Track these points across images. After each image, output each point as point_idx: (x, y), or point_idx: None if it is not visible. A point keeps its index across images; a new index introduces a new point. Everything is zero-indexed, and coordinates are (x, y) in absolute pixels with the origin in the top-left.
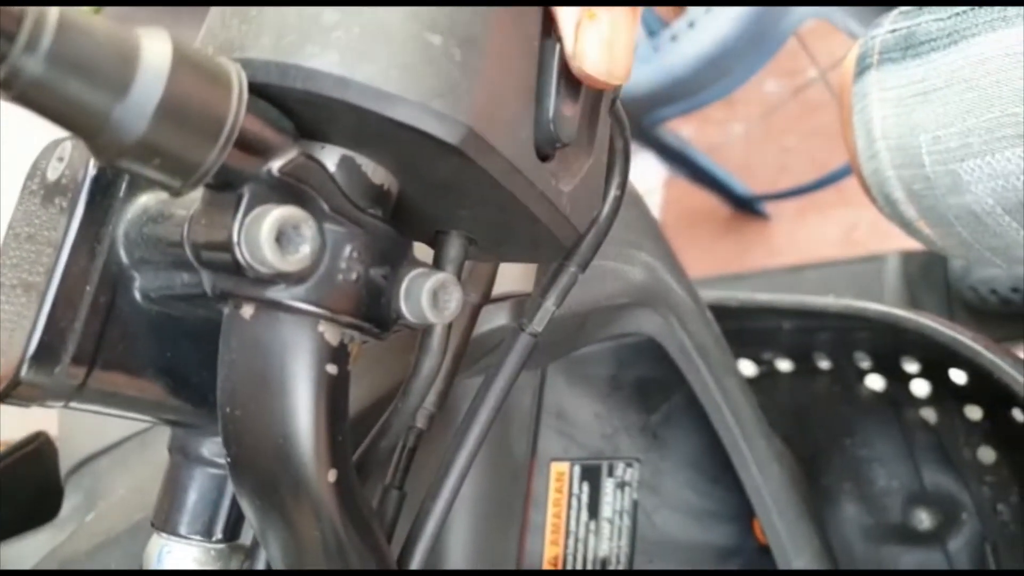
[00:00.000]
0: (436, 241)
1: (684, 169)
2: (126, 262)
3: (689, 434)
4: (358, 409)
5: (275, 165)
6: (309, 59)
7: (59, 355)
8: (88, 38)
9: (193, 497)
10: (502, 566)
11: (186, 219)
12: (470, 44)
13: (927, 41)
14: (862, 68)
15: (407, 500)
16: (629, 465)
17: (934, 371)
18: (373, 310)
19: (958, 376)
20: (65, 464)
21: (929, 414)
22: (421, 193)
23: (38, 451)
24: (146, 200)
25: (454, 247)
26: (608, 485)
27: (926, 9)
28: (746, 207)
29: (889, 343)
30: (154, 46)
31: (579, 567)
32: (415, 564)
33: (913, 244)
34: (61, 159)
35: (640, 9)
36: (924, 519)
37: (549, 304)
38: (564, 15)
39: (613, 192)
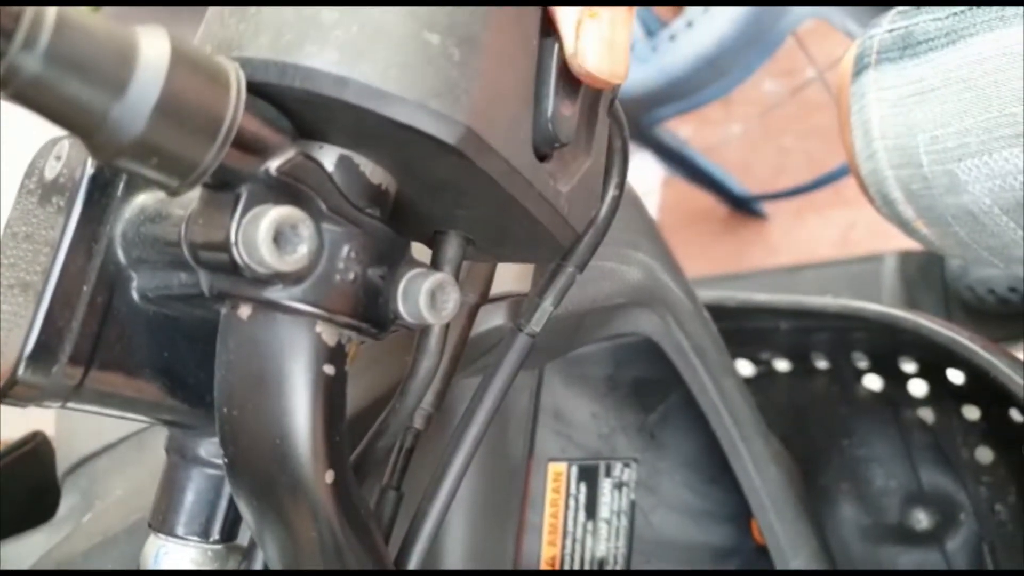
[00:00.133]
0: (434, 241)
1: (682, 169)
2: (123, 262)
3: (686, 434)
4: (355, 409)
5: (273, 165)
6: (308, 58)
7: (56, 355)
8: (86, 36)
9: (190, 498)
10: (499, 566)
11: (184, 219)
12: (469, 44)
13: (925, 41)
14: (860, 68)
15: (404, 501)
16: (626, 465)
17: (932, 371)
18: (371, 310)
19: (956, 376)
20: (62, 464)
21: (927, 414)
22: (419, 193)
23: (35, 451)
24: (144, 199)
25: (452, 247)
26: (605, 485)
27: (924, 9)
28: (744, 207)
29: (887, 343)
30: (152, 44)
31: (576, 567)
32: (412, 565)
33: (911, 244)
34: (59, 158)
35: (635, 8)
36: (922, 519)
37: (547, 304)
38: (564, 14)
39: (611, 192)
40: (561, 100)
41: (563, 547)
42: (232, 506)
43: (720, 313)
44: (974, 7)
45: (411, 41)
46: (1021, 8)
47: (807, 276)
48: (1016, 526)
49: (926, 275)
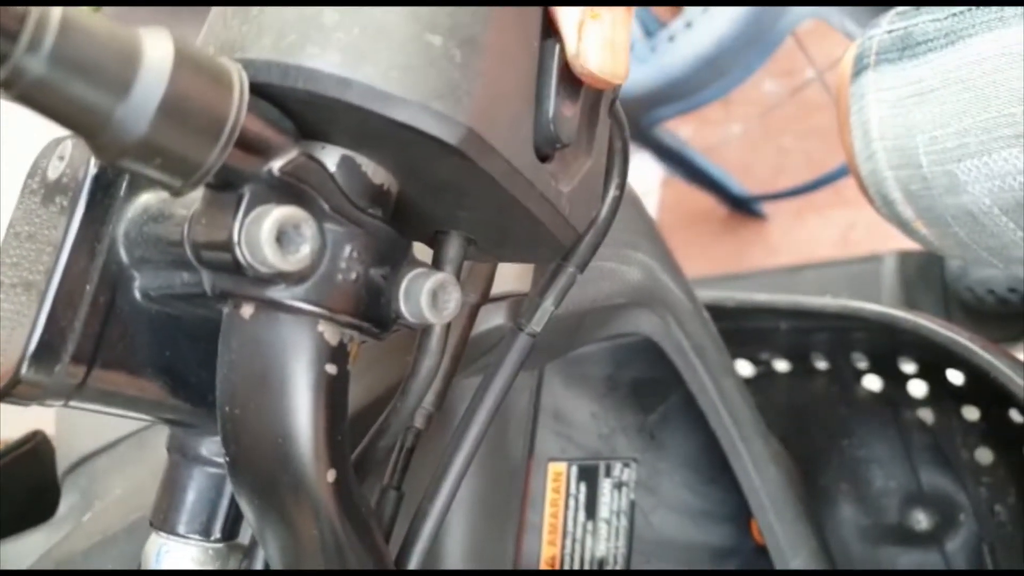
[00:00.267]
0: (435, 241)
1: (682, 169)
2: (126, 261)
3: (686, 434)
4: (357, 409)
5: (276, 165)
6: (310, 59)
7: (59, 354)
8: (90, 38)
9: (191, 496)
10: (499, 566)
11: (186, 218)
12: (470, 45)
13: (924, 42)
14: (859, 68)
15: (405, 500)
16: (626, 465)
17: (931, 372)
18: (372, 310)
19: (955, 377)
20: (62, 464)
21: (926, 415)
22: (421, 193)
23: (35, 450)
24: (146, 199)
25: (453, 247)
26: (605, 485)
27: (923, 9)
28: (743, 207)
29: (886, 343)
30: (156, 46)
31: (576, 567)
32: (413, 564)
33: (910, 244)
34: (62, 158)
35: (634, 8)
36: (921, 520)
37: (548, 304)
38: (566, 15)
39: (612, 192)
40: (562, 101)
41: (563, 547)
42: (233, 505)
43: (720, 313)
44: (973, 8)
45: (413, 42)
46: (1020, 8)
47: (807, 276)
48: (1016, 527)
49: (925, 276)
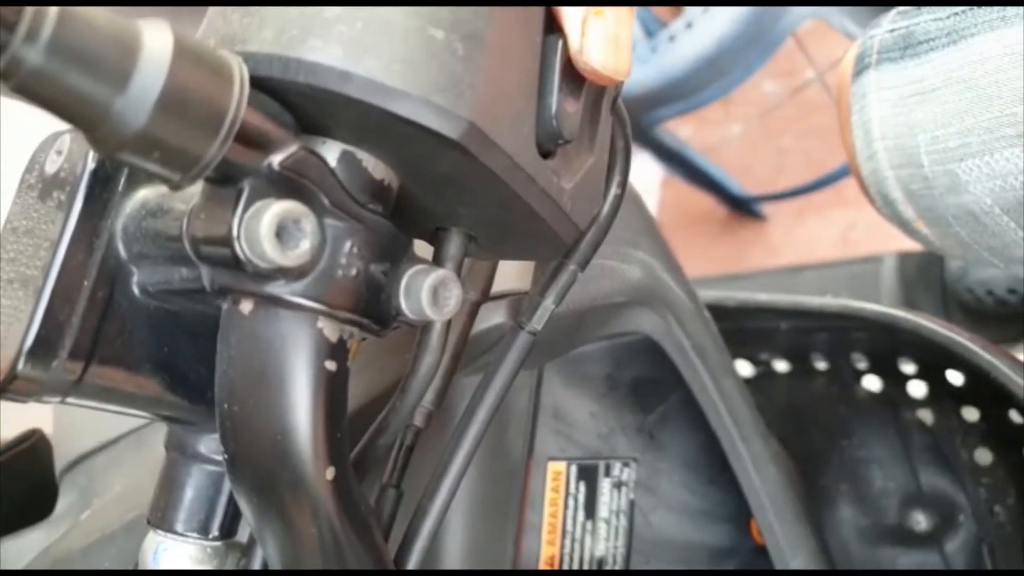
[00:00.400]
0: (436, 238)
1: (681, 170)
2: (124, 256)
3: (686, 434)
4: (356, 406)
5: (276, 159)
6: (311, 53)
7: (56, 350)
8: (89, 28)
9: (190, 494)
10: (498, 566)
11: (185, 213)
12: (473, 39)
13: (926, 41)
14: (860, 68)
15: (404, 499)
16: (626, 465)
17: (931, 372)
18: (372, 306)
19: (955, 377)
20: (60, 462)
21: (926, 415)
22: (422, 189)
23: (33, 449)
24: (145, 194)
25: (454, 244)
26: (605, 485)
27: (925, 9)
28: (743, 208)
29: (886, 344)
30: (155, 37)
31: (575, 567)
32: (412, 563)
33: (910, 245)
34: (60, 152)
35: (635, 7)
36: (921, 520)
37: (548, 302)
38: (569, 11)
39: (614, 190)
40: (565, 97)
41: (562, 547)
42: (232, 503)
43: (720, 313)
44: (975, 7)
45: (415, 36)
46: (1021, 8)
47: (807, 277)
48: (1015, 527)
49: (925, 276)
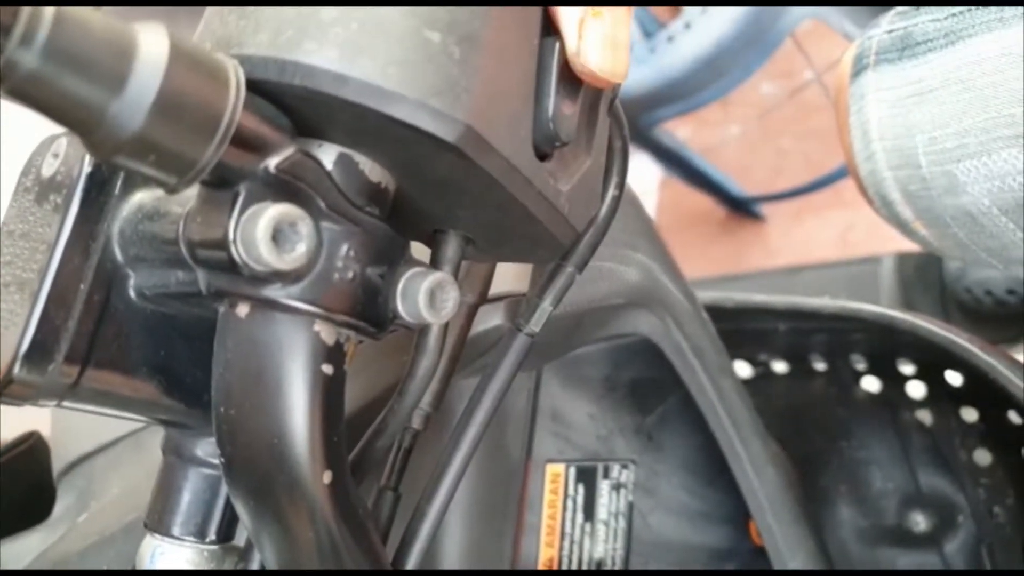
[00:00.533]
0: (433, 240)
1: (680, 170)
2: (121, 260)
3: (684, 436)
4: (354, 409)
5: (272, 162)
6: (307, 55)
7: (52, 353)
8: (85, 32)
9: (187, 498)
10: (497, 567)
11: (182, 216)
12: (469, 42)
13: (924, 42)
14: (859, 69)
15: (402, 501)
16: (624, 467)
17: (930, 373)
18: (369, 309)
19: (954, 378)
20: (58, 464)
21: (925, 416)
22: (419, 192)
23: (31, 451)
24: (141, 197)
25: (451, 247)
26: (603, 487)
27: (923, 10)
28: (742, 208)
29: (885, 345)
30: (151, 41)
31: (574, 569)
32: (410, 565)
33: (909, 246)
34: (56, 155)
35: (633, 8)
36: (920, 521)
37: (546, 304)
38: (566, 13)
39: (611, 192)
40: (562, 99)
41: (561, 548)
42: (229, 506)
43: (718, 314)
44: (973, 8)
45: (411, 39)
46: (1020, 9)
47: (805, 277)
48: (1014, 528)
49: (924, 277)
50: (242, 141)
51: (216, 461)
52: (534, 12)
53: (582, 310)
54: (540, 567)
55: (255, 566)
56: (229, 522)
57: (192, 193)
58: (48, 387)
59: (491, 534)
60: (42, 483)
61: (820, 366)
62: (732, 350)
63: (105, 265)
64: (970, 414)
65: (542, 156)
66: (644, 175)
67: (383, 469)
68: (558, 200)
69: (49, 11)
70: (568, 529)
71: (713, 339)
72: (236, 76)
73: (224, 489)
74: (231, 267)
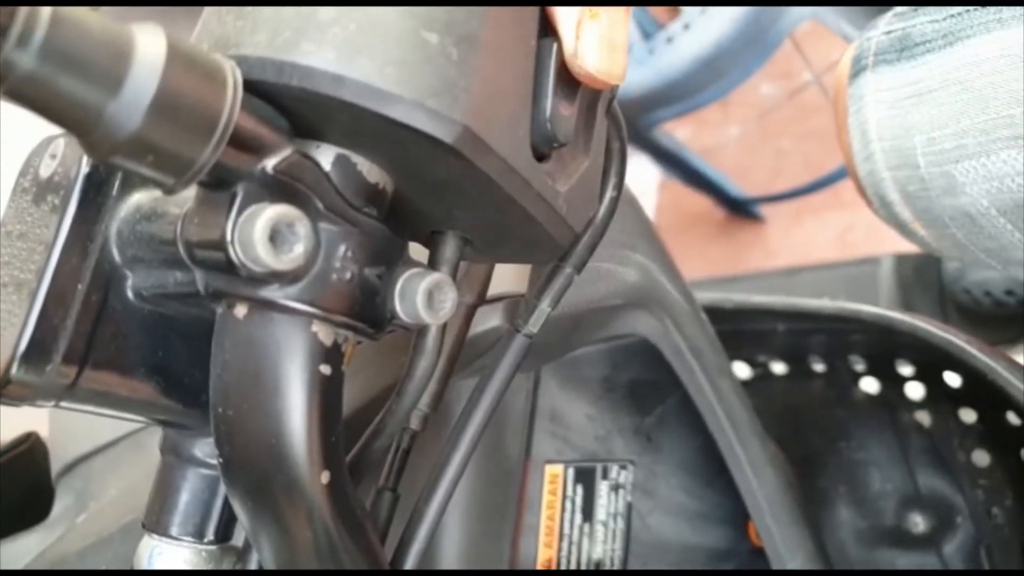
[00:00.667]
0: (431, 241)
1: (679, 171)
2: (118, 260)
3: (683, 436)
4: (352, 410)
5: (269, 163)
6: (305, 56)
7: (50, 354)
8: (82, 33)
9: (185, 498)
10: (495, 568)
11: (179, 217)
12: (467, 43)
13: (922, 43)
14: (858, 70)
15: (401, 502)
16: (623, 467)
17: (928, 374)
18: (367, 310)
19: (952, 379)
20: (56, 465)
21: (924, 417)
22: (417, 192)
23: (29, 452)
24: (139, 198)
25: (449, 247)
26: (602, 487)
27: (921, 11)
28: (741, 210)
29: (884, 345)
30: (148, 41)
31: (573, 569)
32: (408, 566)
33: (908, 247)
34: (54, 156)
35: (631, 8)
36: (919, 522)
37: (544, 305)
38: (564, 14)
39: (610, 193)
40: (560, 100)
41: (559, 549)
42: (227, 506)
43: (717, 315)
44: (971, 9)
45: (409, 39)
46: (1018, 10)
47: (804, 278)
48: (1013, 529)
49: (922, 278)
50: (240, 142)
51: (214, 461)
52: (532, 12)
53: (581, 311)
54: (539, 567)
55: (253, 566)
56: (227, 522)
57: (190, 194)
58: (46, 387)
59: (489, 535)
60: (40, 484)
61: (819, 367)
62: (731, 351)
63: (103, 266)
64: (969, 415)
65: (540, 157)
66: (643, 176)
67: (381, 470)
68: (556, 201)
69: (46, 12)
70: (567, 530)
71: (712, 340)
72: (233, 77)
73: (222, 489)
74: (229, 268)
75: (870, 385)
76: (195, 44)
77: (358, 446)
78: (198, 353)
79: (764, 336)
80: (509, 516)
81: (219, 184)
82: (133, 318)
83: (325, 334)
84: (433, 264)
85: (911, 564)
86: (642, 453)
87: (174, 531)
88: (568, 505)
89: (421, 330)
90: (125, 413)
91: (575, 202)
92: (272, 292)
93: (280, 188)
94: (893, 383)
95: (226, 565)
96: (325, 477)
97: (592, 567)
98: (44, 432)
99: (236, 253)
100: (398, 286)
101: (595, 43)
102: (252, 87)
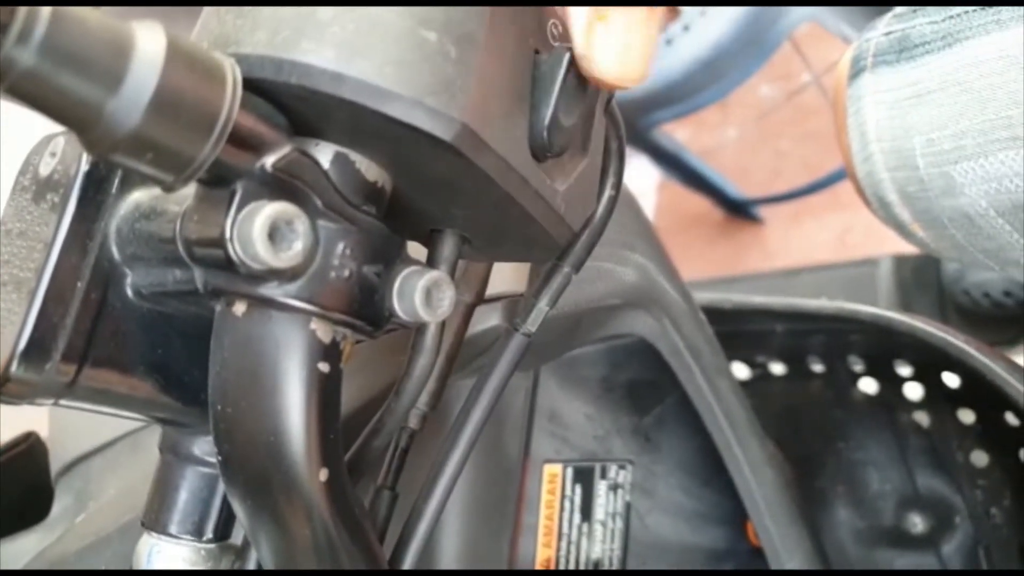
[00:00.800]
0: (430, 239)
1: (678, 173)
2: (118, 258)
3: (682, 436)
4: (350, 408)
5: (268, 161)
6: (304, 55)
7: (49, 352)
8: (82, 30)
9: (184, 496)
10: (494, 568)
11: (179, 215)
12: (466, 41)
13: (921, 44)
14: (857, 71)
15: (399, 501)
16: (622, 467)
17: (927, 374)
18: (366, 308)
19: (951, 379)
20: (55, 465)
21: (922, 417)
22: (415, 190)
23: (28, 452)
24: (139, 196)
25: (448, 246)
26: (601, 487)
27: (920, 12)
28: (740, 211)
29: (882, 346)
30: (148, 39)
31: (572, 569)
32: (407, 565)
33: (907, 248)
34: (54, 154)
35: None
36: (917, 523)
37: (543, 304)
38: (575, 15)
39: (608, 192)
40: (561, 109)
41: (558, 548)
42: (226, 505)
43: (716, 315)
44: (970, 10)
45: (408, 38)
46: (1017, 11)
47: (803, 280)
48: (1011, 529)
49: (921, 279)
50: (239, 139)
51: (213, 459)
52: (531, 11)
53: (579, 310)
54: (537, 567)
55: (252, 565)
56: (226, 520)
57: (189, 192)
58: (45, 385)
59: (488, 534)
60: (40, 484)
61: (818, 367)
62: (730, 351)
63: (102, 264)
64: (967, 415)
65: (538, 156)
66: (643, 177)
67: (380, 468)
68: (554, 199)
69: (46, 10)
70: (565, 529)
71: (710, 340)
72: (233, 74)
73: (221, 487)
74: (228, 265)
75: (869, 385)
76: (195, 42)
77: (357, 445)
78: (197, 351)
79: (763, 336)
80: (508, 515)
81: (218, 182)
82: (132, 316)
83: (324, 332)
84: (432, 262)
85: (910, 564)
86: (641, 453)
87: (173, 529)
88: (567, 505)
89: (420, 329)
90: (124, 411)
91: (573, 201)
92: (271, 290)
93: (279, 186)
94: (892, 383)
95: (225, 563)
96: (324, 475)
97: (591, 567)
98: (44, 432)
99: (235, 250)
100: (396, 284)
101: (605, 46)
102: (251, 85)
